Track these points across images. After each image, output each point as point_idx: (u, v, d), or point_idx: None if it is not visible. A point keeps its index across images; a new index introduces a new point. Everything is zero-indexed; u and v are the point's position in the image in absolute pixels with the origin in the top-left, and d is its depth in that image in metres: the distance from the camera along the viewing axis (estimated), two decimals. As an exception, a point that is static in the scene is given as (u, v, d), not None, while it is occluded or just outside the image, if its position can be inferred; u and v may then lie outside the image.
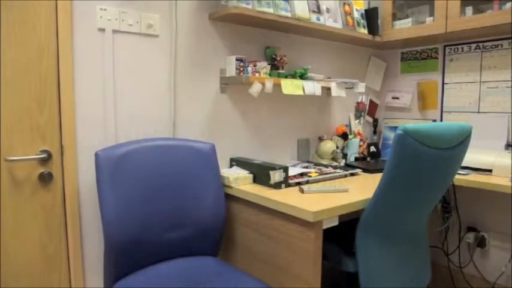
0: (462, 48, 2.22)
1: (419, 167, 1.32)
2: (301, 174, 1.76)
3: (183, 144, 1.58)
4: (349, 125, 2.42)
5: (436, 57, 2.34)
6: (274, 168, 1.59)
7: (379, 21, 2.28)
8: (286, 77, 1.89)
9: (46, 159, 1.42)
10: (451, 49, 2.28)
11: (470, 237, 2.16)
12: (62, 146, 1.45)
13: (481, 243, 2.14)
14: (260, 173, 1.65)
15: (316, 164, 2.07)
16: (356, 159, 2.24)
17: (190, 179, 1.54)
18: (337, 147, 2.20)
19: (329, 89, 2.00)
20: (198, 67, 1.77)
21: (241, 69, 1.76)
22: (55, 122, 1.43)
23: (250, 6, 1.68)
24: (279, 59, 1.93)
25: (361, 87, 2.11)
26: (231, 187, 1.63)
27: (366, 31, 2.24)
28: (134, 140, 1.51)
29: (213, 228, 1.55)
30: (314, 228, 1.29)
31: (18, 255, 1.39)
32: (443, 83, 2.32)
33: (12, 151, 1.35)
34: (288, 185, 1.61)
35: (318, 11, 1.97)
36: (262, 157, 2.04)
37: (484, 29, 1.92)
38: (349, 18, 2.15)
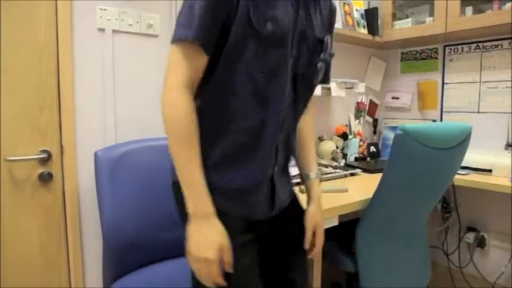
0: (462, 48, 2.22)
1: (419, 167, 1.32)
2: (301, 174, 1.76)
3: (183, 144, 1.57)
4: (349, 125, 2.42)
5: (436, 57, 2.34)
6: (274, 168, 1.58)
7: (379, 21, 2.28)
8: (286, 77, 1.89)
9: (46, 159, 1.42)
10: (451, 49, 2.28)
11: (470, 237, 2.15)
12: (61, 146, 1.45)
13: (481, 243, 2.14)
14: (260, 173, 1.65)
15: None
16: (356, 159, 2.25)
17: (190, 179, 1.54)
18: (337, 147, 2.20)
19: (329, 89, 2.00)
20: (198, 67, 1.77)
21: (241, 69, 1.76)
22: (55, 122, 1.43)
23: (250, 6, 1.67)
24: (278, 59, 1.92)
25: (361, 87, 2.11)
26: (231, 187, 1.63)
27: (365, 31, 2.24)
28: (134, 140, 1.51)
29: (212, 228, 1.55)
30: (314, 228, 1.28)
31: (18, 255, 1.39)
32: (443, 83, 2.32)
33: (12, 151, 1.35)
34: (288, 185, 1.61)
35: (318, 11, 1.97)
36: (262, 157, 2.04)
37: (484, 29, 1.92)
38: (349, 18, 2.15)
